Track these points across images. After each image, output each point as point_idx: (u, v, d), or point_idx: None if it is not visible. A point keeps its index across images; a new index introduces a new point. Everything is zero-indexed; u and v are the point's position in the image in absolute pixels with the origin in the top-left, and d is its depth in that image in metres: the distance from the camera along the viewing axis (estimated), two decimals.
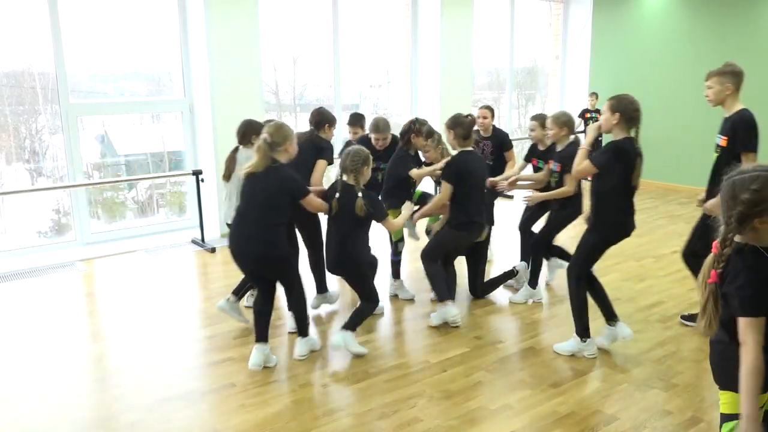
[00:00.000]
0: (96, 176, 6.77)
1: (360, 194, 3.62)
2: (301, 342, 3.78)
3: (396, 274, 4.74)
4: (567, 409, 3.15)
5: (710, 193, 3.63)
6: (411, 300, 4.66)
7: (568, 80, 9.73)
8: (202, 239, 6.10)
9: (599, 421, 3.06)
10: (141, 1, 6.33)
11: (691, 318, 4.15)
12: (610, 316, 3.75)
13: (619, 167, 3.39)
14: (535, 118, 4.66)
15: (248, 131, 4.21)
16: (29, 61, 6.07)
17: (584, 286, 3.71)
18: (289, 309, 3.88)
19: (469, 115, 4.31)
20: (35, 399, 3.32)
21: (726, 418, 2.04)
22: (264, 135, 3.46)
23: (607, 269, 5.11)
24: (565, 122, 4.29)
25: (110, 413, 3.18)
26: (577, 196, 4.35)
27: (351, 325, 3.76)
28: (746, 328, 1.85)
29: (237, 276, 5.21)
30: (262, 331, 3.64)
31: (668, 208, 7.48)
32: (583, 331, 3.71)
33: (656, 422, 3.04)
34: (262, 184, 3.43)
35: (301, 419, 3.10)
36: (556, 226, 4.50)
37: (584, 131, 9.03)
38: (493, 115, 5.25)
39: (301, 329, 3.78)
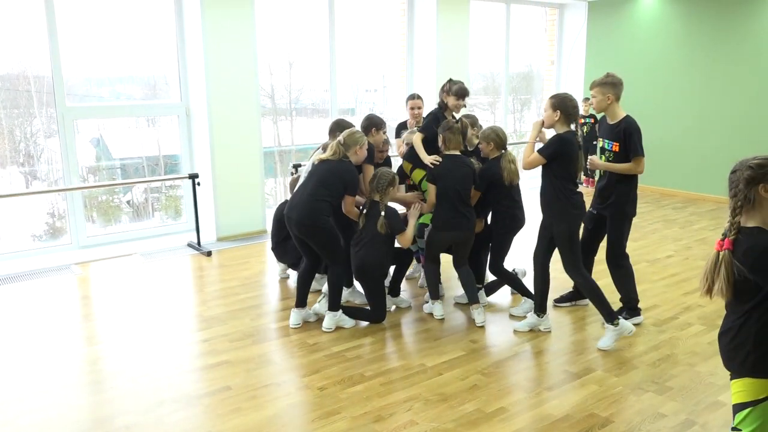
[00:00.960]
0: (91, 180, 6.76)
1: (383, 213, 4.07)
2: (330, 316, 4.18)
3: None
4: (562, 412, 3.17)
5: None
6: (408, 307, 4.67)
7: (564, 85, 9.78)
8: (198, 243, 6.10)
9: (594, 424, 3.07)
10: (137, 5, 6.34)
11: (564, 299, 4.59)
12: (540, 308, 4.15)
13: (565, 157, 3.77)
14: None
15: (334, 129, 4.55)
16: (24, 64, 6.07)
17: (586, 274, 4.00)
18: (328, 281, 4.22)
19: (460, 120, 4.36)
20: (31, 401, 3.32)
21: (739, 407, 2.10)
22: (339, 137, 4.10)
23: (601, 273, 5.12)
24: (491, 138, 4.35)
25: (105, 416, 3.18)
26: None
27: (333, 304, 4.16)
28: None
29: (232, 279, 5.24)
30: (300, 297, 4.25)
31: (662, 213, 7.52)
32: (610, 316, 3.86)
33: (651, 425, 3.06)
34: (327, 167, 4.06)
35: (297, 422, 3.11)
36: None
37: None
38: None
39: (332, 303, 4.18)
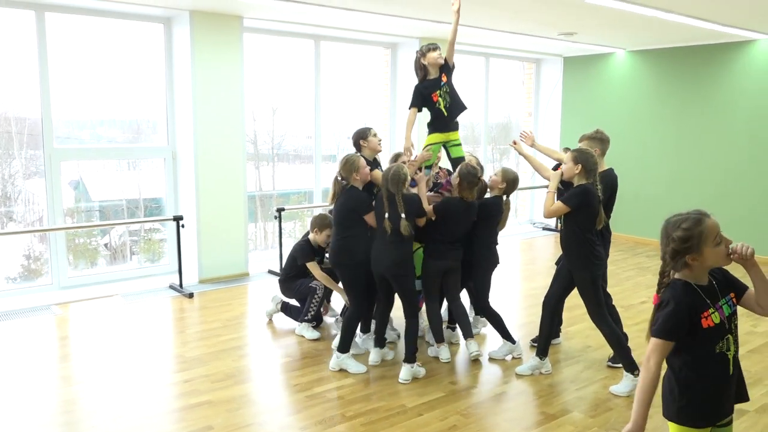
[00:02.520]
0: (69, 222, 6.77)
1: (403, 215, 4.02)
2: (335, 357, 4.31)
3: None
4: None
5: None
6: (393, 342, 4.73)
7: (541, 136, 10.09)
8: (180, 285, 6.12)
9: None
10: (127, 49, 6.50)
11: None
12: (543, 351, 4.26)
13: (589, 209, 3.85)
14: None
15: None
16: (7, 105, 6.15)
17: (611, 322, 4.03)
18: (343, 320, 4.36)
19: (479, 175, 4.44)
20: None
21: None
22: (336, 175, 4.28)
23: (576, 318, 5.25)
24: (510, 179, 4.55)
25: None
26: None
27: (410, 356, 4.14)
28: (653, 347, 2.11)
29: (214, 320, 5.26)
30: (377, 338, 4.39)
31: (637, 260, 7.70)
32: (630, 366, 3.94)
33: None
34: (337, 205, 4.25)
35: None
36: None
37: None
38: None
39: (342, 344, 4.26)
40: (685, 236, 2.08)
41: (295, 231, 8.95)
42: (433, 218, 4.25)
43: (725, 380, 2.15)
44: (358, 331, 4.49)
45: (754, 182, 7.63)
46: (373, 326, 4.53)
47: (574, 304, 4.99)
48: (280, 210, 6.75)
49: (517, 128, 10.39)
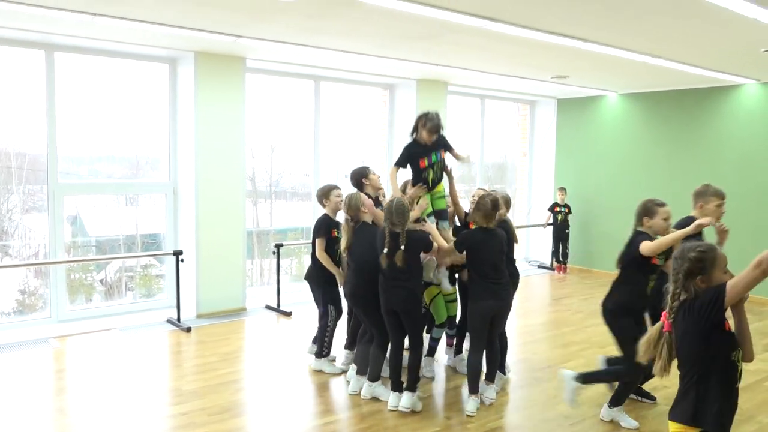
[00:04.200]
0: (65, 257, 6.81)
1: (402, 247, 4.01)
2: (366, 385, 4.42)
3: (430, 352, 4.84)
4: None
5: None
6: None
7: (536, 175, 10.27)
8: (178, 319, 6.16)
9: None
10: (132, 89, 6.68)
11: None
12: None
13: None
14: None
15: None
16: (8, 141, 6.28)
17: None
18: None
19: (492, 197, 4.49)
20: None
21: None
22: (342, 218, 4.43)
23: (571, 355, 5.29)
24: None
25: None
26: None
27: (412, 384, 4.18)
28: (739, 277, 2.26)
29: (211, 354, 5.29)
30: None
31: None
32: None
33: None
34: (355, 247, 4.35)
35: None
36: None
37: (552, 224, 9.46)
38: None
39: (371, 374, 4.37)
40: (701, 257, 2.34)
41: (292, 268, 9.01)
42: (457, 253, 4.28)
43: (736, 390, 2.39)
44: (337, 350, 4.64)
45: (743, 223, 7.75)
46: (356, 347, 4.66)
47: (569, 341, 5.05)
48: (278, 245, 6.83)
49: (512, 168, 10.58)
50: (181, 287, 6.26)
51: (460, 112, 9.48)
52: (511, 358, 5.43)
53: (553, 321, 6.63)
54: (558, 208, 9.41)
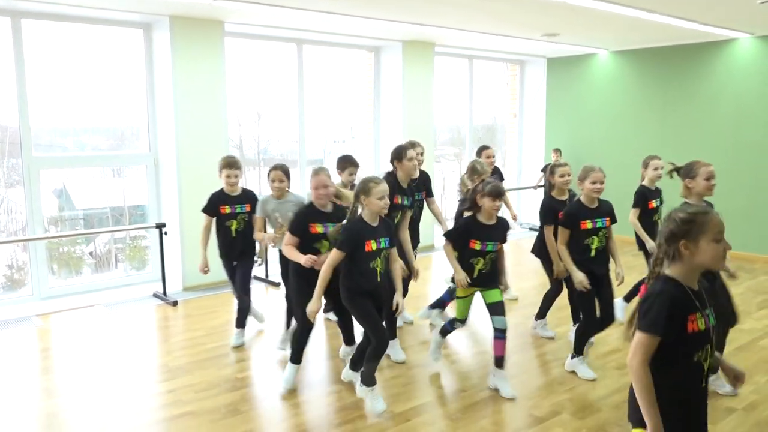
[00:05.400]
0: (53, 230, 6.69)
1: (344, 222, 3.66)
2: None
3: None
4: None
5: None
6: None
7: (526, 137, 10.12)
8: (164, 293, 6.04)
9: None
10: (106, 56, 6.43)
11: None
12: None
13: None
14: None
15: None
16: None
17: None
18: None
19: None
20: None
21: None
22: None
23: (563, 319, 5.24)
24: None
25: None
26: None
27: (367, 379, 3.68)
28: (638, 344, 1.99)
29: (198, 329, 5.19)
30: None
31: (623, 260, 7.70)
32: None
33: None
34: None
35: None
36: None
37: (543, 185, 9.34)
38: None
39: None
40: (687, 219, 2.00)
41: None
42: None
43: (698, 391, 2.06)
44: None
45: (738, 180, 7.67)
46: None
47: (562, 304, 4.99)
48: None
49: (502, 130, 10.41)
50: (167, 260, 6.13)
51: (447, 74, 9.26)
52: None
53: (545, 284, 6.57)
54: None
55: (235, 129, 9.36)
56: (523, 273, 6.95)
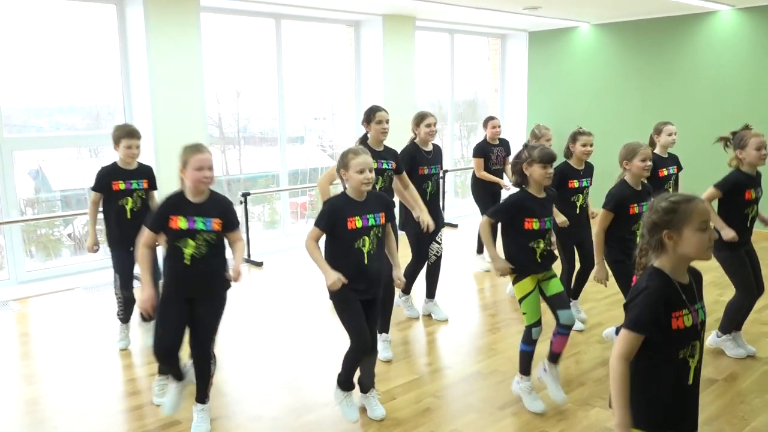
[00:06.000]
0: (29, 213, 6.55)
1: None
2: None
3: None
4: (513, 431, 3.21)
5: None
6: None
7: (507, 112, 10.07)
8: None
9: None
10: (79, 33, 6.25)
11: None
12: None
13: None
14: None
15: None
16: None
17: None
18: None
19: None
20: None
21: None
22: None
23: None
24: None
25: None
26: None
27: (343, 383, 3.35)
28: (622, 340, 1.97)
29: None
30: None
31: None
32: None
33: None
34: None
35: None
36: None
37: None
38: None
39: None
40: (670, 208, 1.94)
41: (264, 215, 8.81)
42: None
43: (682, 388, 2.00)
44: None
45: (719, 153, 7.72)
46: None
47: None
48: (245, 195, 6.61)
49: (483, 105, 10.35)
50: None
51: (429, 49, 9.16)
52: (485, 300, 5.40)
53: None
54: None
55: (214, 107, 9.19)
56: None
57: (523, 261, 3.33)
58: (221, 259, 3.15)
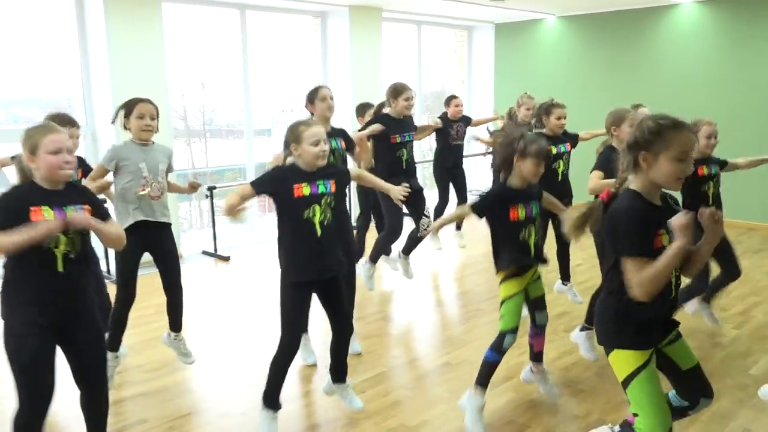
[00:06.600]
0: None
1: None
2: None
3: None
4: (483, 421, 3.24)
5: None
6: None
7: (475, 103, 10.12)
8: (108, 271, 5.84)
9: (512, 430, 3.16)
10: (38, 24, 6.06)
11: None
12: None
13: None
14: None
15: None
16: None
17: None
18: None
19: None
20: None
21: (626, 381, 2.11)
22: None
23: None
24: None
25: None
26: None
27: (269, 399, 3.11)
28: (630, 268, 1.96)
29: (146, 307, 5.04)
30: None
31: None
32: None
33: (566, 427, 3.18)
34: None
35: None
36: None
37: (492, 152, 9.40)
38: None
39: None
40: (655, 129, 1.90)
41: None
42: None
43: (666, 302, 2.07)
44: None
45: None
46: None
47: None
48: (211, 188, 6.52)
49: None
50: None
51: (395, 40, 9.13)
52: (453, 291, 5.44)
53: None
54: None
55: (179, 99, 9.02)
56: (476, 240, 7.01)
57: (517, 259, 3.05)
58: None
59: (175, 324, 3.74)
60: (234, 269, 6.21)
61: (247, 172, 7.59)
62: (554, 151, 4.52)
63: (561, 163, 4.68)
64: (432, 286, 5.65)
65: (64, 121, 3.77)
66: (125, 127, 3.53)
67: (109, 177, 3.60)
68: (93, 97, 6.14)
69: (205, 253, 6.66)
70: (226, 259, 6.45)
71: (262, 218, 8.25)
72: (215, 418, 3.34)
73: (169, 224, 3.64)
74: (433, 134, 6.20)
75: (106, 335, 3.42)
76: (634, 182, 2.02)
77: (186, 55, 7.41)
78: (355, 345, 4.05)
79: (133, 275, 3.52)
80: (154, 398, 3.54)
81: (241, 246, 6.89)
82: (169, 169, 3.68)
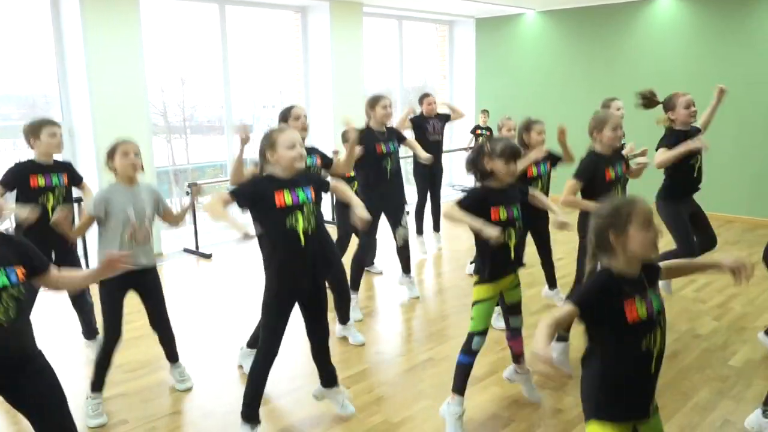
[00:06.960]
0: None
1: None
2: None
3: None
4: (466, 416, 3.24)
5: None
6: None
7: (456, 98, 10.13)
8: (88, 267, 5.76)
9: (497, 424, 3.17)
10: (12, 19, 5.94)
11: None
12: None
13: None
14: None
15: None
16: None
17: None
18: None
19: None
20: None
21: None
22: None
23: None
24: None
25: None
26: None
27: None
28: (562, 308, 2.00)
29: (125, 305, 4.97)
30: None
31: (552, 218, 7.91)
32: None
33: (549, 421, 3.20)
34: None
35: None
36: None
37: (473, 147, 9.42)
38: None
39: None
40: (611, 211, 1.98)
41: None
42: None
43: (646, 378, 2.03)
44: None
45: (658, 138, 7.96)
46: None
47: None
48: (191, 185, 6.44)
49: (432, 92, 10.36)
50: (88, 236, 5.82)
51: (376, 35, 9.10)
52: (438, 287, 5.44)
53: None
54: (479, 131, 9.36)
55: (158, 95, 8.92)
56: (459, 235, 7.02)
57: (495, 264, 3.04)
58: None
59: (171, 354, 3.65)
60: (216, 267, 6.16)
61: (228, 168, 7.51)
62: (534, 171, 4.45)
63: (540, 182, 4.53)
64: (414, 281, 5.64)
65: (51, 120, 3.89)
66: (110, 169, 3.39)
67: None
68: (70, 94, 6.04)
69: (186, 250, 6.59)
70: (208, 256, 6.39)
71: (244, 215, 8.18)
72: (199, 418, 3.31)
73: (154, 266, 3.49)
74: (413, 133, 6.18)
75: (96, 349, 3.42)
76: (615, 262, 2.02)
77: (165, 51, 7.32)
78: (357, 336, 4.20)
79: (118, 317, 3.36)
80: (134, 398, 3.50)
81: (222, 243, 6.84)
82: (158, 211, 3.51)
